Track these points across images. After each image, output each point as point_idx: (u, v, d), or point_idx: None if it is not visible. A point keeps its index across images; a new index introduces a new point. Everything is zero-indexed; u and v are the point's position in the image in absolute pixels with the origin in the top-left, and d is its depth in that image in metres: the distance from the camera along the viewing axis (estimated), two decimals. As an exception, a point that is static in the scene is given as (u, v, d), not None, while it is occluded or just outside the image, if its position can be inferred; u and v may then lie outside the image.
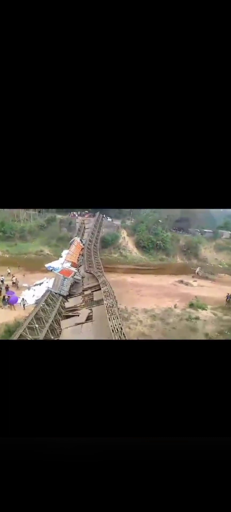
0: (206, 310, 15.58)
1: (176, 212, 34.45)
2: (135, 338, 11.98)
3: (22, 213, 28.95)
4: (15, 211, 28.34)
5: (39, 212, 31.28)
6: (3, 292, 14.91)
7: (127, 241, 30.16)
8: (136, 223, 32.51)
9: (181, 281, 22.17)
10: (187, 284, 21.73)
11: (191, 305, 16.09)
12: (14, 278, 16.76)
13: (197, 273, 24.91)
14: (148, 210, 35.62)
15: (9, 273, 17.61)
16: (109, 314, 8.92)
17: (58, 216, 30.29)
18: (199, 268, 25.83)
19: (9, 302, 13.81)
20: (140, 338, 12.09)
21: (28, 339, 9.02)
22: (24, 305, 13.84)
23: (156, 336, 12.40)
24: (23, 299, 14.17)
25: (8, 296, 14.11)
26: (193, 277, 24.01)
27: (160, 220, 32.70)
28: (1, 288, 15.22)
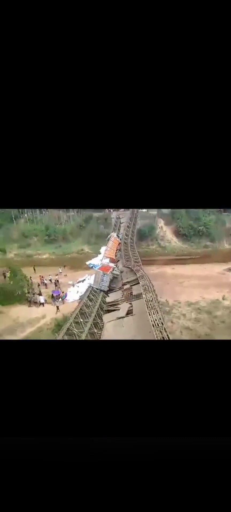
0: None
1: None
2: (178, 332, 11.42)
3: (62, 215, 31.39)
4: (56, 214, 30.98)
5: (77, 212, 33.24)
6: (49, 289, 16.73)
7: (164, 231, 28.83)
8: (174, 210, 30.59)
9: (230, 269, 19.76)
10: (237, 271, 19.23)
11: (244, 296, 14.17)
12: (57, 276, 18.47)
13: (250, 258, 21.68)
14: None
15: (60, 272, 19.56)
16: (149, 309, 8.74)
17: (95, 214, 31.48)
18: (252, 252, 22.44)
19: (64, 298, 15.39)
20: (184, 333, 11.45)
21: (75, 332, 9.80)
22: (57, 307, 14.37)
23: (201, 330, 11.49)
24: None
25: (56, 295, 15.59)
26: (245, 263, 21.05)
27: (201, 203, 29.77)
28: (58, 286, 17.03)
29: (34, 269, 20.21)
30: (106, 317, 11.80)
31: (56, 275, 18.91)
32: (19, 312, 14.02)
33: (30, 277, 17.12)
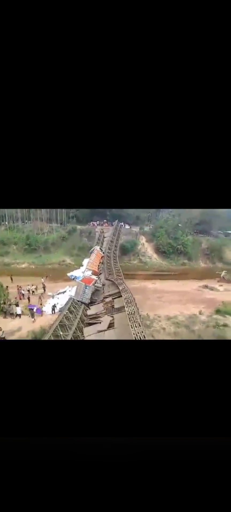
0: (234, 316, 14.52)
1: (196, 214, 33.25)
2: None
3: (45, 226, 30.69)
4: (39, 224, 30.21)
5: (61, 224, 32.84)
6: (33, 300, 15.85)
7: (146, 247, 29.86)
8: (155, 229, 32.10)
9: (206, 286, 21.07)
10: (212, 289, 20.56)
11: (218, 311, 15.15)
12: (33, 287, 17.76)
13: (223, 277, 23.42)
14: (167, 213, 34.99)
15: (43, 282, 18.72)
16: (131, 322, 8.83)
17: (79, 227, 31.41)
18: (224, 272, 24.29)
19: (37, 312, 14.48)
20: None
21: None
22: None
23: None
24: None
25: (32, 309, 14.54)
26: (218, 281, 22.66)
27: (179, 224, 31.80)
28: (41, 298, 16.30)
29: (11, 279, 19.11)
30: (87, 330, 11.54)
31: (33, 285, 18.08)
32: (-8, 324, 12.97)
33: (7, 287, 16.12)
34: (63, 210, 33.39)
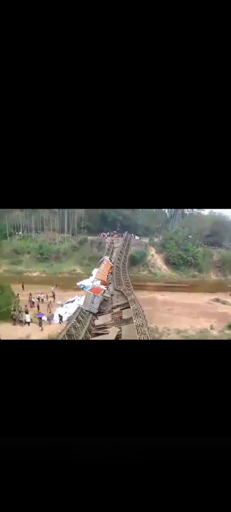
0: (249, 332, 13.77)
1: (206, 226, 32.67)
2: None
3: (57, 236, 31.65)
4: (51, 235, 31.22)
5: (73, 234, 33.69)
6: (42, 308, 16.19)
7: (155, 258, 29.61)
8: (165, 240, 31.87)
9: (217, 299, 20.32)
10: (224, 302, 19.77)
11: (230, 327, 14.47)
12: (42, 296, 18.18)
13: (236, 291, 22.50)
14: (177, 225, 34.69)
15: (52, 291, 19.26)
16: (139, 334, 8.70)
17: (89, 238, 32.02)
18: (238, 285, 23.37)
19: (51, 318, 14.84)
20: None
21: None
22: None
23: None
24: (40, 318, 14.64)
25: (39, 318, 14.81)
26: (230, 295, 21.80)
27: (189, 236, 31.34)
28: (50, 306, 16.72)
29: (23, 286, 19.69)
30: (94, 341, 11.48)
31: (42, 294, 18.48)
32: (2, 330, 13.33)
33: (18, 294, 16.62)
34: (75, 220, 34.29)
